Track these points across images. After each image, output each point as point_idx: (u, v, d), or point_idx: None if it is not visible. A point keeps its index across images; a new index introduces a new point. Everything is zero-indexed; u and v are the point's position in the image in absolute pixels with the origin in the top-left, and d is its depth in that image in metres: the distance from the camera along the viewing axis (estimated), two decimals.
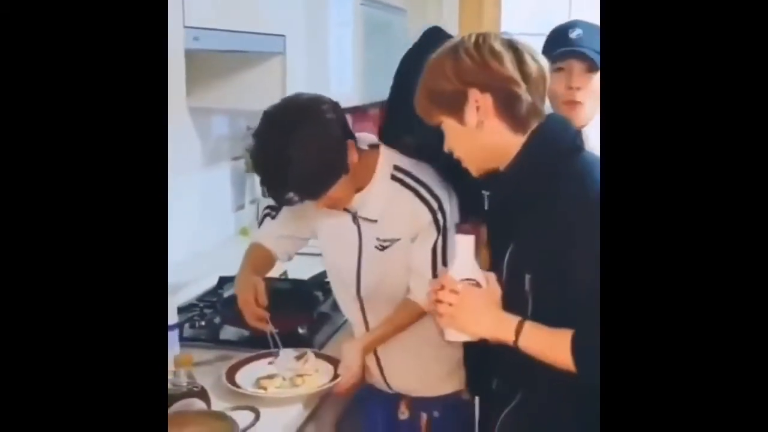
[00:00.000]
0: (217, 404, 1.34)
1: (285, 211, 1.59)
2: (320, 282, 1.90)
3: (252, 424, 1.27)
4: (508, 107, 1.13)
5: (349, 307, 1.61)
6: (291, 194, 1.35)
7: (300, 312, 1.77)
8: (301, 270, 1.95)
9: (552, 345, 1.10)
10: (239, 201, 2.48)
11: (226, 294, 1.87)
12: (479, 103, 1.13)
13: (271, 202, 1.55)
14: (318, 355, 1.58)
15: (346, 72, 2.32)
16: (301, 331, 1.72)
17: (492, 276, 1.18)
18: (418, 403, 1.62)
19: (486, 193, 1.23)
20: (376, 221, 1.49)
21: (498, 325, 1.15)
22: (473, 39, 1.15)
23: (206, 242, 2.27)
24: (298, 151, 1.31)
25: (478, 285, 1.16)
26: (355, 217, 1.50)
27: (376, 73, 2.39)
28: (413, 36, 2.85)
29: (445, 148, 1.21)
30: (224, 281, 1.92)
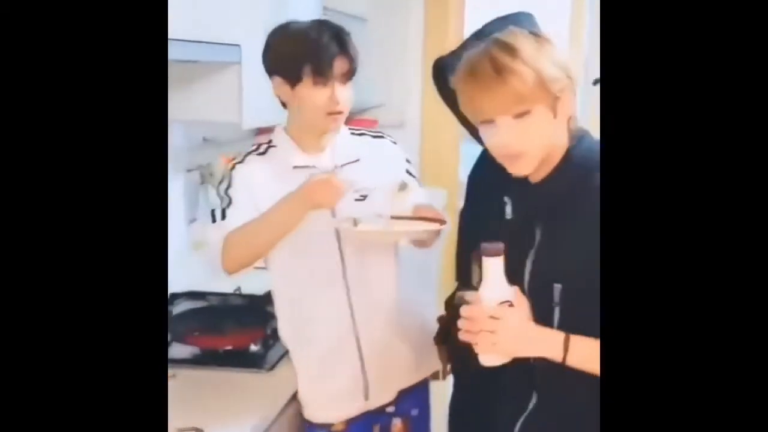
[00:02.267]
0: None
1: (236, 199, 1.55)
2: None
3: None
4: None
5: (321, 277, 1.58)
6: None
7: (253, 328, 1.77)
8: (254, 285, 1.95)
9: (597, 356, 1.04)
10: (192, 214, 2.47)
11: (177, 311, 1.86)
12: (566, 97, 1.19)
13: None
14: (395, 218, 1.56)
15: None
16: (254, 348, 1.73)
17: (518, 290, 1.17)
18: (397, 406, 1.66)
19: (508, 200, 1.25)
20: (358, 161, 1.59)
21: (542, 344, 1.14)
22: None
23: None
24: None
25: (511, 305, 1.15)
26: (334, 168, 1.56)
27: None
28: (375, 46, 2.90)
29: (497, 143, 1.20)
30: (175, 298, 1.91)
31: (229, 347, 1.72)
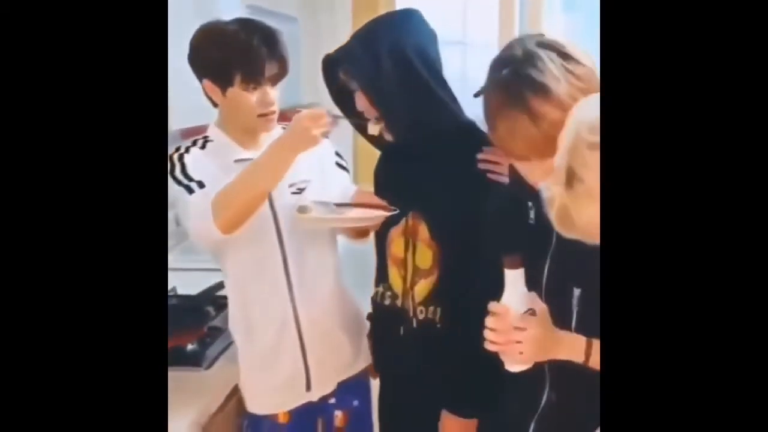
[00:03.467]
0: None
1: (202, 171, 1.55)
2: (211, 297, 1.94)
3: None
4: None
5: (265, 268, 1.60)
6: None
7: (190, 328, 1.80)
8: (190, 285, 1.98)
9: None
10: None
11: None
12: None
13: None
14: (340, 205, 1.61)
15: None
16: (190, 347, 1.76)
17: (535, 295, 1.17)
18: (338, 398, 1.70)
19: (531, 205, 1.23)
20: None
21: (565, 349, 1.16)
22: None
23: None
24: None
25: (534, 312, 1.15)
26: None
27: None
28: (306, 44, 2.93)
29: (531, 177, 1.17)
30: None
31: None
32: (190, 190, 1.51)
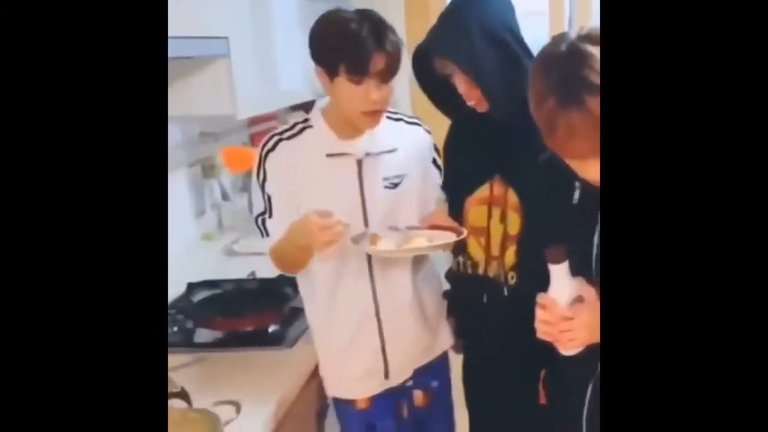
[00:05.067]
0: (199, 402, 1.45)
1: (276, 204, 1.60)
2: (290, 278, 2.01)
3: (234, 418, 1.39)
4: None
5: (349, 266, 1.61)
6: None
7: (270, 310, 1.88)
8: (269, 270, 2.06)
9: None
10: (200, 207, 2.57)
11: (196, 299, 1.98)
12: None
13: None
14: (410, 228, 1.61)
15: (295, 68, 2.43)
16: (272, 329, 1.84)
17: (582, 280, 1.21)
18: (416, 380, 1.73)
19: (577, 185, 1.26)
20: (395, 150, 1.61)
21: None
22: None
23: (170, 250, 2.35)
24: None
25: (582, 299, 1.21)
26: (360, 162, 1.58)
27: None
28: None
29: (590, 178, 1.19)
30: (193, 287, 2.03)
31: (250, 329, 1.84)
32: (258, 227, 1.62)
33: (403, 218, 1.62)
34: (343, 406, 1.73)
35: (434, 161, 1.72)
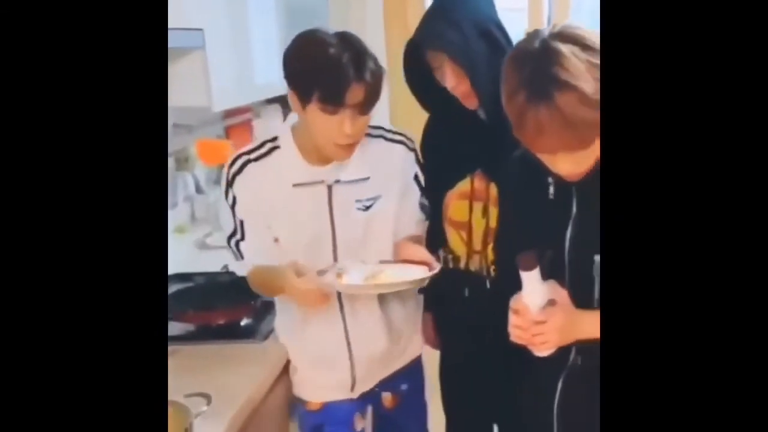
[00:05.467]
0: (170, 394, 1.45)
1: (248, 228, 1.56)
2: None
3: (204, 410, 1.39)
4: None
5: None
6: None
7: (243, 304, 1.88)
8: None
9: None
10: (172, 199, 2.56)
11: (169, 292, 1.97)
12: None
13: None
14: (383, 262, 1.53)
15: (271, 61, 2.42)
16: (244, 322, 1.84)
17: (555, 283, 1.25)
18: (384, 384, 1.72)
19: (552, 181, 1.28)
20: (367, 179, 1.53)
21: (588, 328, 1.21)
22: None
23: None
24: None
25: (553, 302, 1.24)
26: (330, 187, 1.51)
27: None
28: (336, 19, 2.97)
29: (562, 171, 1.22)
30: None
31: (222, 322, 1.84)
32: (230, 247, 1.60)
33: (376, 240, 1.56)
34: (297, 404, 1.74)
35: (416, 177, 1.64)
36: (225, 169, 1.54)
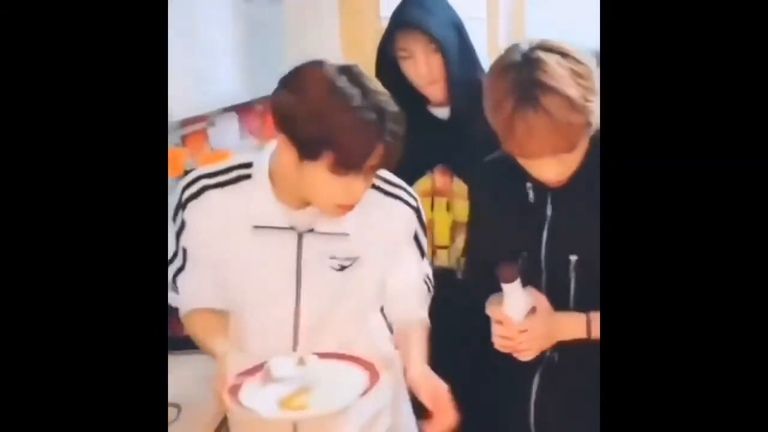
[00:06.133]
0: None
1: (191, 260, 1.33)
2: None
3: (175, 419, 1.37)
4: None
5: (267, 345, 1.30)
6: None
7: None
8: None
9: None
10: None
11: None
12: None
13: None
14: (323, 356, 1.22)
15: (229, 69, 2.41)
16: None
17: (533, 290, 1.28)
18: None
19: (530, 185, 1.30)
20: (346, 235, 1.27)
21: (568, 330, 1.28)
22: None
23: None
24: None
25: (534, 309, 1.27)
26: (301, 236, 1.27)
27: (260, 68, 2.48)
28: (292, 27, 2.95)
29: (544, 177, 1.25)
30: None
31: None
32: (172, 261, 1.33)
33: (348, 310, 1.32)
34: None
35: (416, 238, 1.37)
36: (179, 187, 1.31)
